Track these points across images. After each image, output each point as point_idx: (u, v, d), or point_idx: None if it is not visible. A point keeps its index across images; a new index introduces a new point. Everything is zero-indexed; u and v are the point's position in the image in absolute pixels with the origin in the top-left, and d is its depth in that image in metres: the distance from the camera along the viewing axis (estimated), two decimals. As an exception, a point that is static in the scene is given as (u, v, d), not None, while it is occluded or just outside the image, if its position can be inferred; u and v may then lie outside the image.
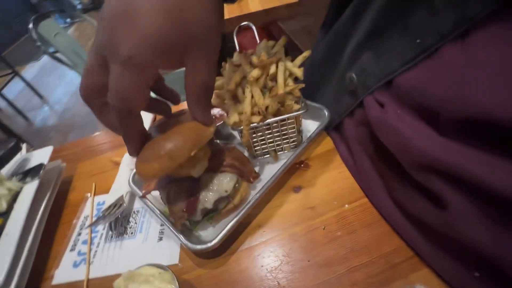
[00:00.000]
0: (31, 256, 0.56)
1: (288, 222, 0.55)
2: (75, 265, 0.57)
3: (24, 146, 0.72)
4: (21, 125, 3.49)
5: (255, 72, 0.53)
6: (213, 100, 0.60)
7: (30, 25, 1.59)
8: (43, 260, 0.59)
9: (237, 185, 0.56)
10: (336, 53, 0.61)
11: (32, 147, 0.74)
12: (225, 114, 0.63)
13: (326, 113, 0.66)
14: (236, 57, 0.60)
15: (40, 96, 3.90)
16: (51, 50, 1.71)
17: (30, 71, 4.63)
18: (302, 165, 0.64)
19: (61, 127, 3.32)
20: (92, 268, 0.55)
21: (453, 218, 0.37)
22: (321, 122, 0.66)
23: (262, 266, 0.50)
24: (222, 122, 0.69)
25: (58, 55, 1.81)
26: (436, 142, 0.37)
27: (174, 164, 0.42)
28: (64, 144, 0.88)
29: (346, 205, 0.55)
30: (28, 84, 3.87)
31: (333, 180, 0.60)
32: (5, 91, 3.60)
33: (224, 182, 0.54)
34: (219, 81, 0.59)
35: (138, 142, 0.42)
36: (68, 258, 0.59)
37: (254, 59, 0.54)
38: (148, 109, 0.46)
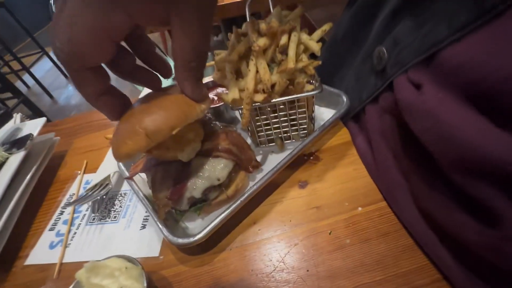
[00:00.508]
0: (6, 231, 0.52)
1: (288, 221, 0.47)
2: (52, 246, 0.52)
3: (17, 115, 0.68)
4: (46, 103, 3.61)
5: (262, 41, 0.44)
6: (214, 74, 0.52)
7: (51, 0, 1.59)
8: (21, 237, 0.55)
9: (233, 174, 0.49)
10: (363, 26, 0.51)
11: (27, 117, 0.70)
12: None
13: (345, 99, 0.57)
14: (244, 27, 0.51)
15: (66, 76, 4.00)
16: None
17: (58, 51, 4.81)
18: (311, 158, 0.55)
19: (82, 107, 3.39)
20: (68, 251, 0.50)
21: (504, 238, 0.27)
22: (338, 109, 0.57)
23: (252, 270, 0.42)
24: (223, 103, 0.61)
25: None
26: (492, 135, 0.27)
27: (151, 143, 0.34)
28: (64, 119, 0.84)
29: (360, 208, 0.46)
30: (55, 63, 3.99)
31: (346, 178, 0.51)
32: (33, 70, 3.73)
33: (217, 169, 0.47)
34: (222, 54, 0.51)
35: (106, 106, 0.34)
36: (46, 237, 0.54)
37: (263, 26, 0.46)
38: (132, 79, 0.38)
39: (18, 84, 3.43)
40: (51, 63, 3.99)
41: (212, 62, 0.54)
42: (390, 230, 0.42)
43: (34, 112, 2.91)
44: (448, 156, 0.31)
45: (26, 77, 3.63)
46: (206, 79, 0.67)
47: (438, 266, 0.37)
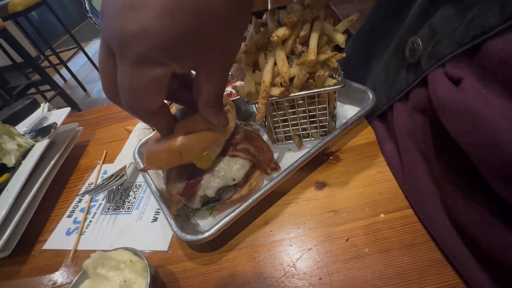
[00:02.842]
0: (28, 215, 0.54)
1: (302, 224, 0.44)
2: (68, 232, 0.53)
3: (44, 105, 0.71)
4: (80, 95, 3.83)
5: (282, 31, 0.42)
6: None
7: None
8: (42, 222, 0.57)
9: (248, 173, 0.47)
10: (395, 15, 0.47)
11: (54, 107, 0.73)
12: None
13: (371, 96, 0.52)
14: (264, 16, 0.49)
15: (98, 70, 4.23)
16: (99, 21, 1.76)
17: (92, 47, 5.05)
18: (330, 157, 0.52)
19: (113, 101, 3.58)
20: (82, 239, 0.51)
21: None
22: (363, 107, 0.52)
23: (260, 273, 0.40)
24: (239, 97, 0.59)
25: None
26: None
27: (182, 160, 0.40)
28: (89, 110, 0.87)
29: (382, 215, 0.42)
30: (89, 58, 4.21)
31: (368, 181, 0.47)
32: (70, 64, 3.96)
33: (233, 169, 0.45)
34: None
35: (164, 128, 0.39)
36: (64, 224, 0.55)
37: (283, 15, 0.43)
38: (174, 99, 0.42)
39: (56, 78, 3.66)
40: (86, 58, 4.20)
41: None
42: (415, 242, 0.38)
43: (69, 103, 3.08)
44: (490, 162, 0.26)
45: (63, 71, 3.86)
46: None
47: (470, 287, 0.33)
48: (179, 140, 0.38)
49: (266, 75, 0.42)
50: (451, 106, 0.31)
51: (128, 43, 0.25)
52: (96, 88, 3.88)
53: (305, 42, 0.43)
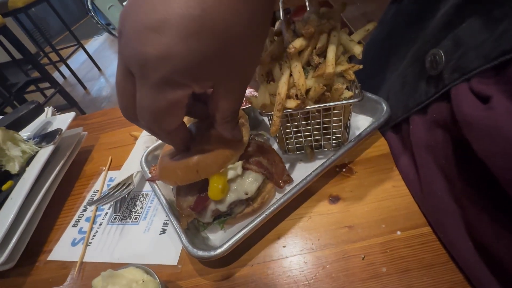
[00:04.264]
0: (33, 224, 0.53)
1: (316, 240, 0.43)
2: (74, 243, 0.52)
3: (48, 109, 0.70)
4: (79, 93, 3.79)
5: (298, 42, 0.40)
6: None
7: (87, -3, 1.63)
8: (47, 231, 0.56)
9: (261, 186, 0.46)
10: (414, 24, 0.45)
11: (58, 111, 0.71)
12: (256, 94, 0.51)
13: (385, 107, 0.51)
14: (277, 25, 0.48)
15: (99, 68, 4.18)
16: (102, 21, 1.75)
17: (93, 44, 5.01)
18: (343, 170, 0.51)
19: (113, 98, 3.53)
20: (89, 250, 0.50)
21: None
22: (377, 118, 0.51)
23: (274, 291, 0.39)
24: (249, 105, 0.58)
25: (111, 27, 1.85)
26: None
27: (198, 178, 0.39)
28: (92, 113, 0.85)
29: (398, 232, 0.41)
30: (89, 56, 4.18)
31: (383, 195, 0.46)
32: (70, 62, 3.93)
33: (246, 182, 0.44)
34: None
35: (181, 145, 0.38)
36: (69, 233, 0.54)
37: (299, 25, 0.42)
38: (188, 113, 0.41)
39: (56, 75, 3.63)
40: (86, 56, 4.17)
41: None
42: (435, 262, 0.37)
43: (69, 101, 3.05)
44: None
45: (63, 68, 3.83)
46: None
47: (494, 312, 0.32)
48: (196, 157, 0.38)
49: (282, 87, 0.41)
50: (480, 126, 0.30)
51: (150, 66, 0.24)
52: (96, 86, 3.85)
53: (322, 54, 0.42)
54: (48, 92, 2.88)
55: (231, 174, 0.42)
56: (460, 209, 0.36)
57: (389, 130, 0.53)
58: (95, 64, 4.16)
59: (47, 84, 2.88)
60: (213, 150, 0.38)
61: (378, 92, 0.54)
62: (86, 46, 4.11)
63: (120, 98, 0.30)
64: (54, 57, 3.56)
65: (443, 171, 0.39)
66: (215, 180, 0.41)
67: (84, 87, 3.82)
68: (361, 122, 0.56)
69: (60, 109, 0.72)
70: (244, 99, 0.59)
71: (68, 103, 3.02)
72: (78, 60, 4.49)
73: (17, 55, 2.74)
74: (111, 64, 4.36)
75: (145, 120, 0.29)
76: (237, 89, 0.31)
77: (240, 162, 0.43)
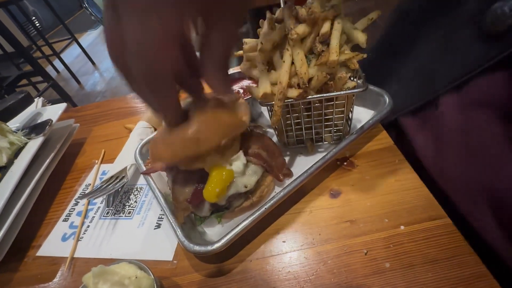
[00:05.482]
0: (21, 218, 0.50)
1: (317, 234, 0.41)
2: (64, 238, 0.50)
3: (38, 100, 0.67)
4: (73, 88, 3.73)
5: (301, 28, 0.39)
6: (242, 65, 0.47)
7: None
8: (36, 225, 0.53)
9: (260, 179, 0.44)
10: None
11: (48, 102, 0.69)
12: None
13: (387, 100, 0.50)
14: (279, 12, 0.46)
15: (93, 63, 4.11)
16: (97, 14, 1.70)
17: (86, 38, 4.92)
18: (345, 163, 0.49)
19: (107, 93, 3.47)
20: (80, 245, 0.48)
21: None
22: (379, 110, 0.50)
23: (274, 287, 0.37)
24: (250, 96, 0.56)
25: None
26: None
27: (198, 151, 0.36)
28: (86, 105, 0.83)
29: (402, 227, 0.40)
30: (83, 50, 4.10)
31: (386, 189, 0.44)
32: (63, 55, 3.85)
33: (245, 175, 0.42)
34: (252, 43, 0.46)
35: (174, 114, 0.34)
36: (59, 228, 0.52)
37: (302, 11, 0.40)
38: (179, 83, 0.35)
39: (49, 69, 3.55)
40: (79, 50, 4.10)
41: (240, 52, 0.49)
42: (439, 257, 0.36)
43: (62, 96, 2.99)
44: None
45: (56, 62, 3.75)
46: (231, 70, 0.62)
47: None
48: (195, 126, 0.34)
49: (283, 75, 0.39)
50: None
51: None
52: (90, 80, 3.79)
53: (325, 41, 0.40)
54: (41, 87, 2.82)
55: (236, 166, 0.40)
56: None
57: (404, 117, 0.52)
58: (89, 58, 4.09)
59: (39, 78, 2.82)
60: (213, 119, 0.36)
61: (386, 80, 0.52)
62: (80, 40, 4.03)
63: (109, 42, 0.27)
64: (47, 50, 3.49)
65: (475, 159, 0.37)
66: (215, 180, 0.39)
67: (78, 82, 3.75)
68: (362, 115, 0.54)
69: (53, 104, 0.69)
70: (243, 91, 0.58)
71: (62, 98, 2.96)
72: (71, 54, 4.40)
73: (9, 48, 2.68)
74: (105, 58, 4.28)
75: (134, 61, 0.26)
76: (228, 24, 0.28)
77: (241, 152, 0.41)
